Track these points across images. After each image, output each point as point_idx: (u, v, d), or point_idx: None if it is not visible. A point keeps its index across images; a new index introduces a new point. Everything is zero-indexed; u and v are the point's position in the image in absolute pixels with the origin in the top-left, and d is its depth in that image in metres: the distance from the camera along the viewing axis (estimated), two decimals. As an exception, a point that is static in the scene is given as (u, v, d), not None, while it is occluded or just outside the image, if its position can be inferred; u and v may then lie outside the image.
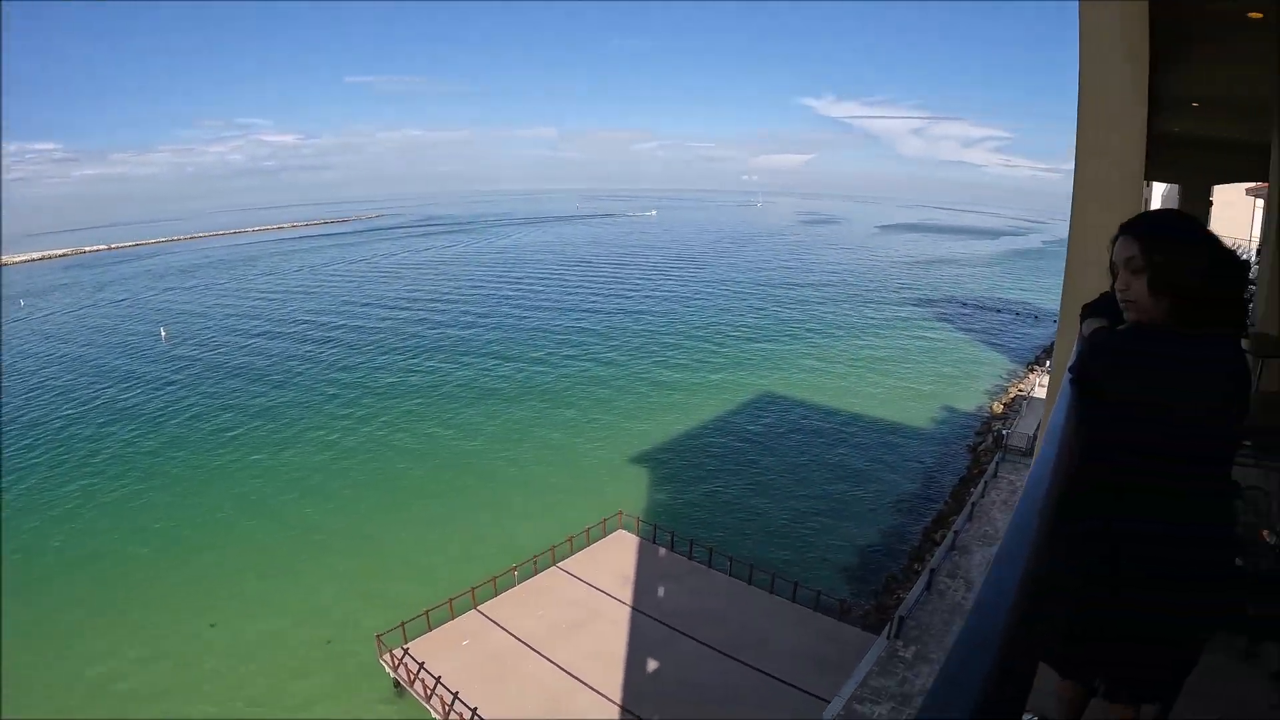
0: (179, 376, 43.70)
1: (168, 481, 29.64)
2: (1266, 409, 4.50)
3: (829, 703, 15.40)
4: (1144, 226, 1.88)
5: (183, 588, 22.15)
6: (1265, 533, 3.66)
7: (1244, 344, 6.24)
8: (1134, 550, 1.90)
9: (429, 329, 52.81)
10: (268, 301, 66.29)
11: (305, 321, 57.05)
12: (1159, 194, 29.16)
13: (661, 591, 20.19)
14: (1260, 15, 7.00)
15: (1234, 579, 2.82)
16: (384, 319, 56.30)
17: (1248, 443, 4.64)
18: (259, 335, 52.91)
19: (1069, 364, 1.99)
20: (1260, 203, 17.93)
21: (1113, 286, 1.97)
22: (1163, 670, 2.06)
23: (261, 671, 18.74)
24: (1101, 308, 2.06)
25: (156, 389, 41.72)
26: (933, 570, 19.82)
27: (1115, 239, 1.94)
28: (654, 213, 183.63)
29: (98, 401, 40.18)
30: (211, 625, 20.46)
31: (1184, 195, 20.94)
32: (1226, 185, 24.98)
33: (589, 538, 22.90)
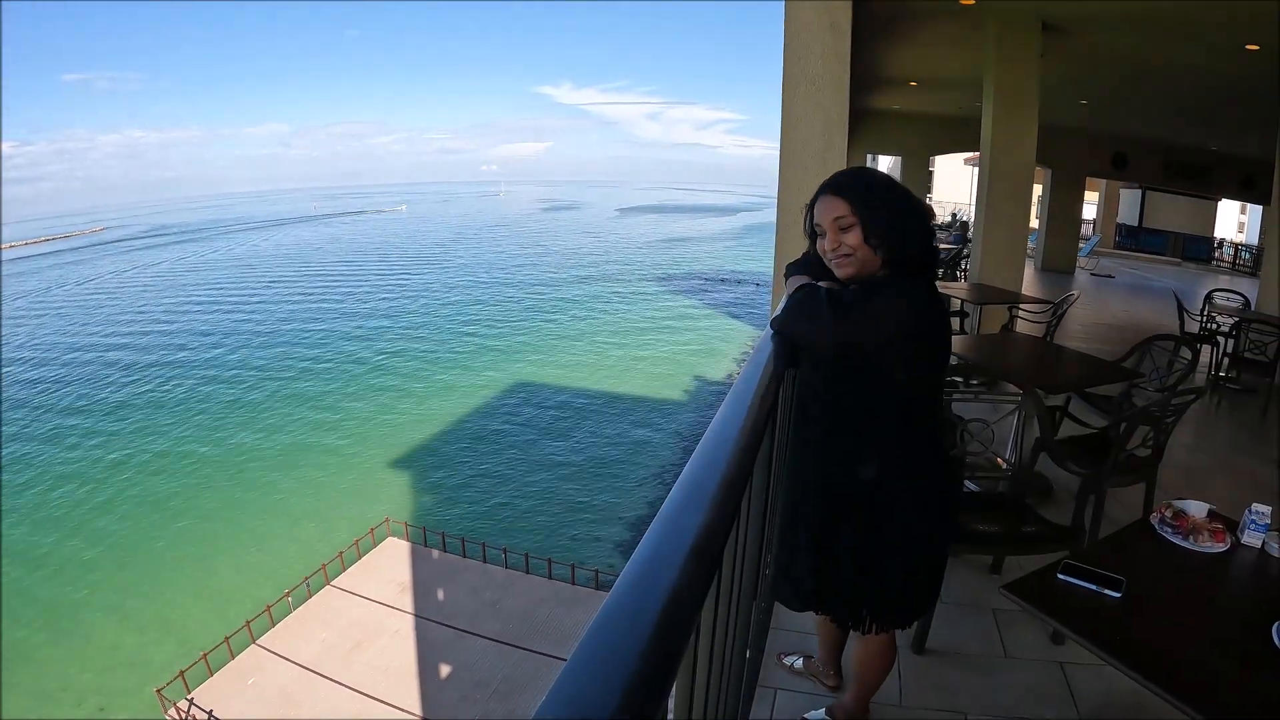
0: None
1: None
2: (983, 349, 4.88)
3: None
4: (846, 184, 1.92)
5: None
6: (1000, 459, 4.04)
7: (964, 292, 7.20)
8: (861, 490, 2.00)
9: (169, 354, 47.38)
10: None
11: (24, 361, 50.10)
12: (884, 165, 31.96)
13: (441, 594, 19.90)
14: (972, 1, 7.92)
15: (963, 502, 3.11)
16: (118, 345, 50.47)
17: (974, 381, 5.19)
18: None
19: (771, 318, 1.98)
20: (975, 170, 19.44)
21: (812, 249, 2.02)
22: (908, 598, 2.16)
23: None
24: (803, 266, 2.09)
25: None
26: (703, 533, 20.88)
27: (813, 202, 1.96)
28: (404, 207, 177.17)
29: None
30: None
31: (906, 165, 22.59)
32: (946, 155, 27.90)
33: (359, 550, 21.91)
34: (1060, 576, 1.96)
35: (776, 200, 6.10)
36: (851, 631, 2.28)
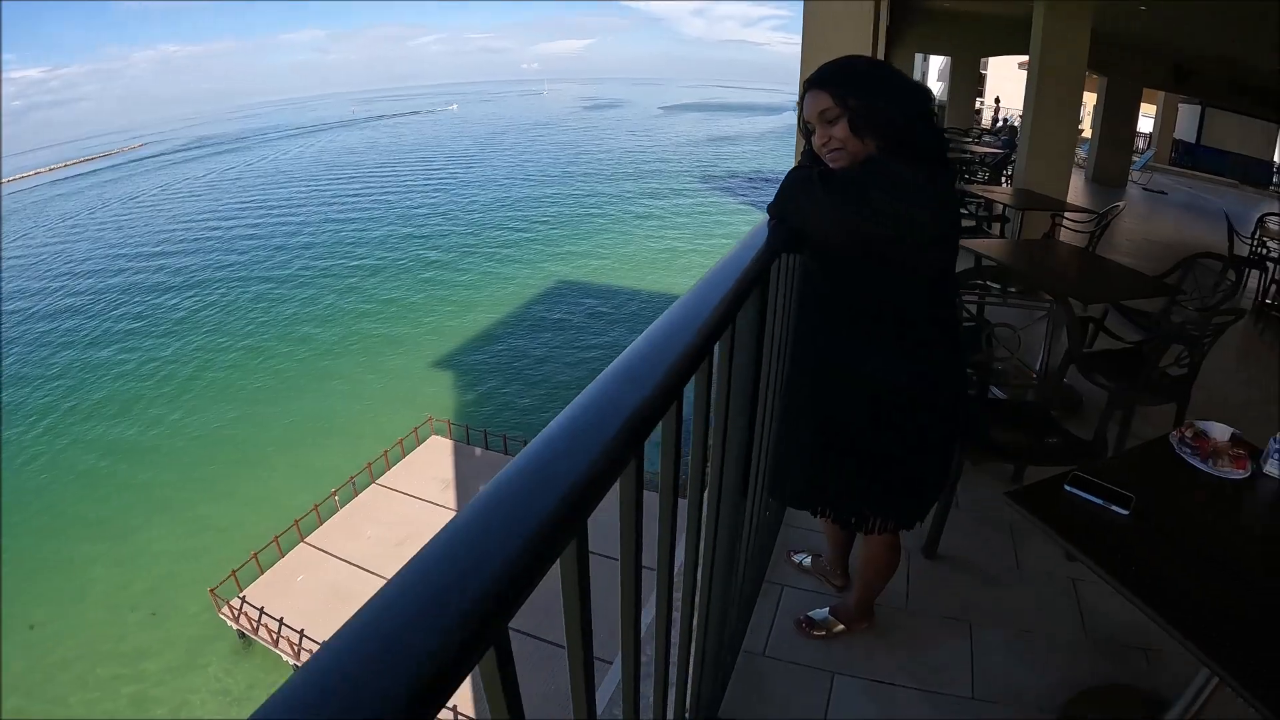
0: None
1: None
2: (1022, 256, 4.70)
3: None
4: (828, 76, 1.83)
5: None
6: (1032, 370, 4.02)
7: (1007, 198, 6.90)
8: (862, 385, 1.96)
9: (210, 263, 48.24)
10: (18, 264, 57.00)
11: (68, 279, 50.21)
12: (935, 66, 31.15)
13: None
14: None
15: (988, 409, 3.17)
16: (160, 266, 50.72)
17: (1010, 288, 5.12)
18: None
19: (769, 205, 1.88)
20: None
21: (809, 146, 1.92)
22: (911, 497, 2.14)
23: (103, 658, 17.46)
24: (806, 165, 1.98)
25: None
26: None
27: (801, 98, 1.88)
28: (455, 106, 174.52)
29: None
30: (31, 627, 18.45)
31: (955, 66, 22.28)
32: (999, 58, 26.94)
33: (404, 449, 22.49)
34: (1067, 488, 1.88)
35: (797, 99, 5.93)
36: (858, 532, 2.28)
